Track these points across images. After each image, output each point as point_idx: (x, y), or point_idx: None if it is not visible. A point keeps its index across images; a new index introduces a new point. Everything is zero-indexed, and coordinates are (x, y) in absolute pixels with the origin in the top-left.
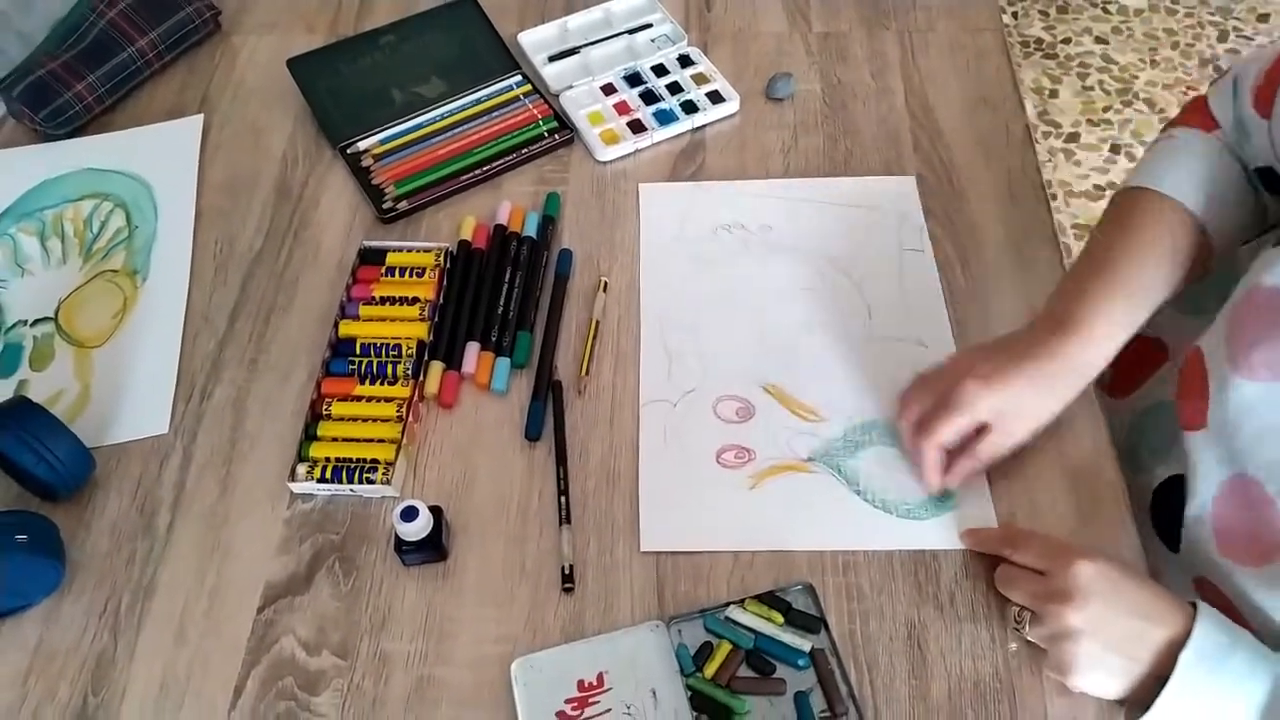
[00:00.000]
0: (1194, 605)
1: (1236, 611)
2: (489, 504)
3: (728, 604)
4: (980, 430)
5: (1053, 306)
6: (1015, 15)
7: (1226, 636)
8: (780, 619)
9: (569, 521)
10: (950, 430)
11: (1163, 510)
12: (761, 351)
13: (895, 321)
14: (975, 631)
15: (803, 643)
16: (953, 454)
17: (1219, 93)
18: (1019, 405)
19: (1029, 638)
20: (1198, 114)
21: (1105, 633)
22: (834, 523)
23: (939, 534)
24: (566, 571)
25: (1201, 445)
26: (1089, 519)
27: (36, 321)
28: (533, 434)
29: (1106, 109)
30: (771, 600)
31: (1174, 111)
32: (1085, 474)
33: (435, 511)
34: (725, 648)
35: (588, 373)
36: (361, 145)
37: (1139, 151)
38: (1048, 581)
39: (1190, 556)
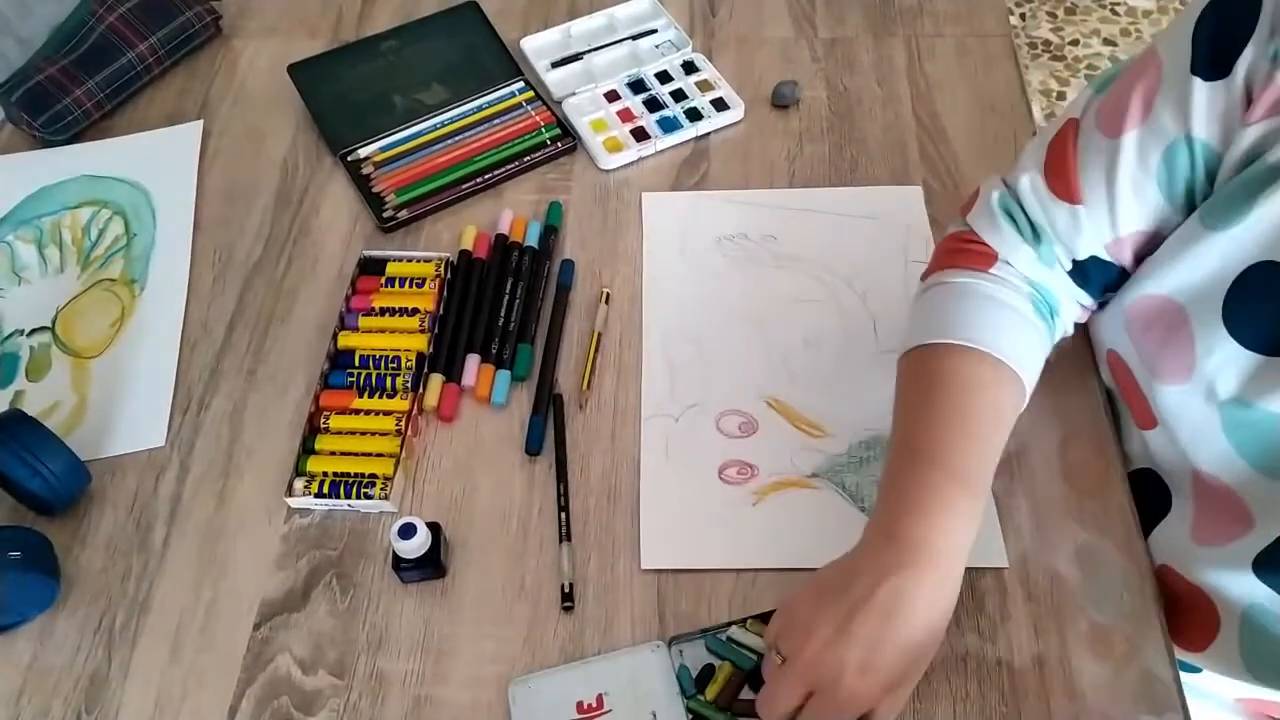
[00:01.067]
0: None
1: (1206, 598)
2: (488, 520)
3: (729, 624)
4: None
5: (887, 520)
6: (1023, 17)
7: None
8: None
9: (569, 538)
10: None
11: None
12: (765, 365)
13: (901, 335)
14: (980, 653)
15: None
16: None
17: (982, 217)
18: (903, 674)
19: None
20: (963, 254)
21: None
22: (838, 541)
23: None
24: (566, 590)
25: (1163, 442)
26: (1096, 540)
27: (33, 331)
28: (533, 448)
29: None
30: None
31: None
32: (1086, 476)
33: (433, 528)
34: (727, 669)
35: (589, 386)
36: (362, 152)
37: None
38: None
39: (1159, 544)
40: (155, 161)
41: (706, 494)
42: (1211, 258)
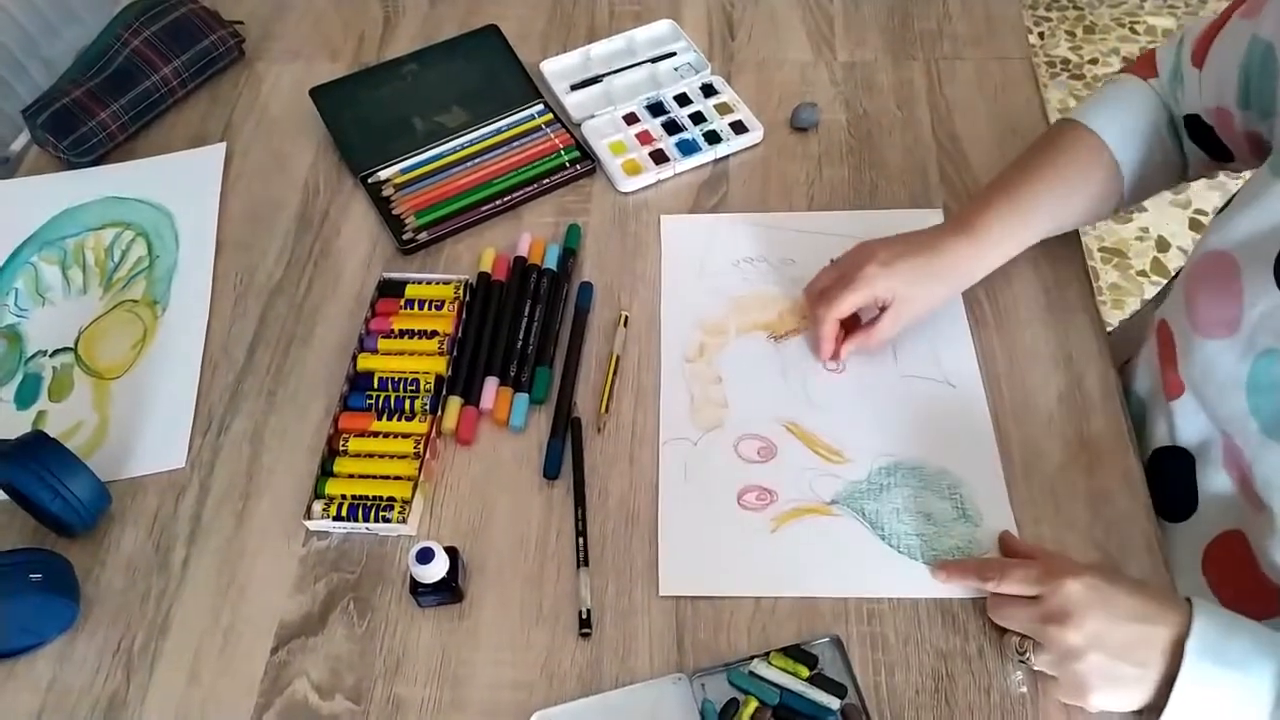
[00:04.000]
0: (1189, 601)
1: (1255, 556)
2: (506, 544)
3: (752, 657)
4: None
5: (962, 211)
6: (1041, 36)
7: (1224, 623)
8: (806, 673)
9: (587, 563)
10: (849, 304)
11: (1159, 483)
12: (784, 389)
13: (921, 360)
14: (1004, 686)
15: (831, 700)
16: (851, 331)
17: (1166, 45)
18: (908, 291)
19: (1036, 666)
20: (1144, 64)
21: (1110, 644)
22: (858, 569)
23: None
24: (584, 616)
25: (1188, 410)
26: (1114, 545)
27: (56, 352)
28: (551, 472)
29: None
30: (798, 654)
31: None
32: (1111, 504)
33: (451, 552)
34: (752, 704)
35: (607, 409)
36: (383, 175)
37: None
38: (1041, 605)
39: (1206, 520)
40: (178, 183)
41: (725, 520)
42: (1276, 207)
